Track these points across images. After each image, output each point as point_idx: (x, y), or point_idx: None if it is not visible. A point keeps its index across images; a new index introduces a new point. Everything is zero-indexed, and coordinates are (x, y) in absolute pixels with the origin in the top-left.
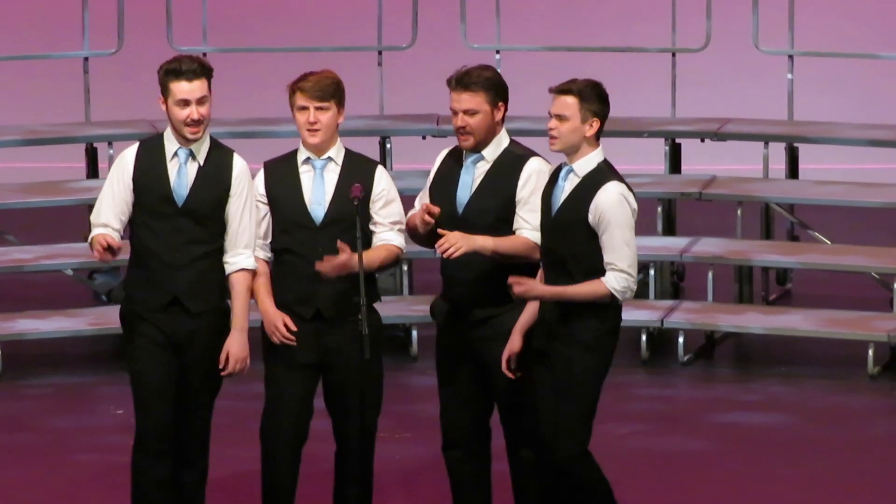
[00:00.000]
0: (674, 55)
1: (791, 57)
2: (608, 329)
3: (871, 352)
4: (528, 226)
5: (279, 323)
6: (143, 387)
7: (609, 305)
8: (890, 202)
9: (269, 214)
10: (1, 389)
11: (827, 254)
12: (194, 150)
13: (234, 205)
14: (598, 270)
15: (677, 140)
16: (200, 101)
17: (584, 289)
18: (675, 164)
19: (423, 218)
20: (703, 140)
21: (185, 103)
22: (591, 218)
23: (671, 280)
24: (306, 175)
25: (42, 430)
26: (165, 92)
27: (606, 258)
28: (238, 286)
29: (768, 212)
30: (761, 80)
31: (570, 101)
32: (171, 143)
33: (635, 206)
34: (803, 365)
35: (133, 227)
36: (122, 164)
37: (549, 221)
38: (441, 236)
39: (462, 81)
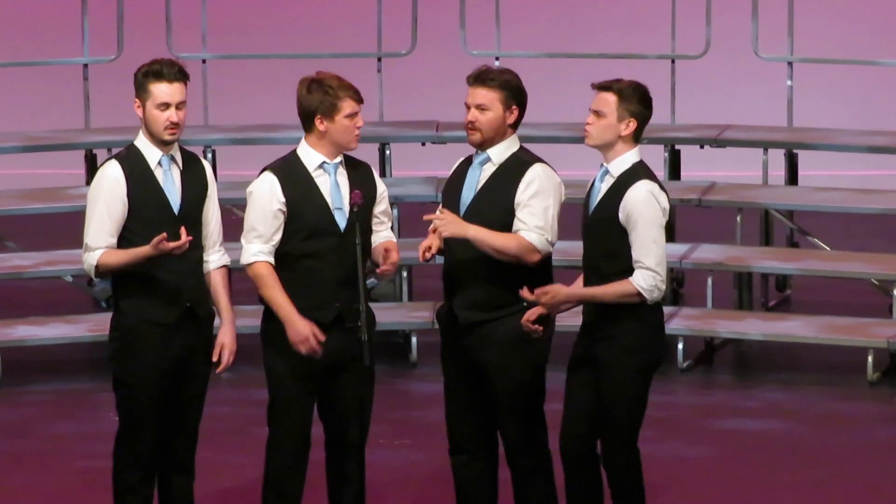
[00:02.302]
0: (673, 62)
1: (790, 63)
2: (648, 329)
3: (870, 358)
4: (524, 226)
5: (310, 335)
6: (147, 415)
7: (645, 305)
8: (889, 209)
9: (283, 224)
10: (0, 396)
11: (826, 260)
12: (173, 156)
13: (210, 205)
14: (632, 271)
15: (677, 146)
16: (179, 106)
17: (611, 289)
18: (674, 171)
19: (423, 256)
20: (702, 146)
21: (166, 106)
22: (621, 216)
23: (671, 286)
24: (321, 179)
25: (42, 437)
26: (144, 94)
27: (634, 255)
28: (223, 281)
29: (768, 218)
30: (761, 86)
31: (609, 98)
32: (151, 152)
33: (666, 205)
34: (803, 371)
35: (127, 244)
36: (112, 182)
37: (587, 222)
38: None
39: (480, 77)
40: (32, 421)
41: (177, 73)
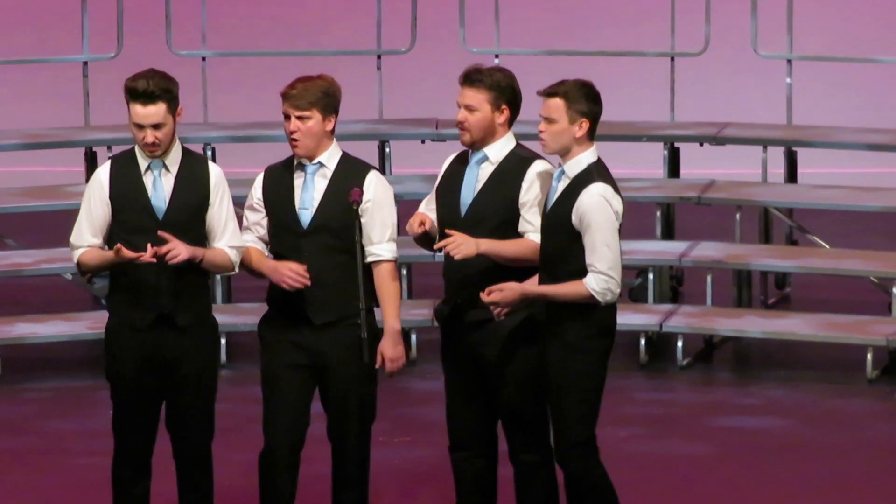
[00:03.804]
0: (673, 59)
1: (790, 61)
2: (596, 331)
3: (869, 356)
4: (532, 228)
5: (285, 269)
6: (127, 415)
7: (595, 307)
8: (889, 206)
9: (265, 218)
10: (0, 393)
11: (825, 258)
12: (166, 163)
13: (214, 213)
14: (583, 272)
15: (676, 144)
16: (157, 126)
17: (564, 289)
18: (673, 169)
19: (414, 230)
20: (701, 144)
21: (140, 127)
22: (574, 219)
23: (670, 284)
24: (298, 180)
25: (41, 434)
26: (127, 107)
27: (587, 259)
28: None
29: (767, 216)
30: (760, 84)
31: (557, 103)
32: (143, 157)
33: (619, 208)
34: (802, 369)
35: (112, 245)
36: (98, 184)
37: (543, 222)
38: (446, 237)
39: (469, 77)
40: (32, 418)
41: (153, 93)
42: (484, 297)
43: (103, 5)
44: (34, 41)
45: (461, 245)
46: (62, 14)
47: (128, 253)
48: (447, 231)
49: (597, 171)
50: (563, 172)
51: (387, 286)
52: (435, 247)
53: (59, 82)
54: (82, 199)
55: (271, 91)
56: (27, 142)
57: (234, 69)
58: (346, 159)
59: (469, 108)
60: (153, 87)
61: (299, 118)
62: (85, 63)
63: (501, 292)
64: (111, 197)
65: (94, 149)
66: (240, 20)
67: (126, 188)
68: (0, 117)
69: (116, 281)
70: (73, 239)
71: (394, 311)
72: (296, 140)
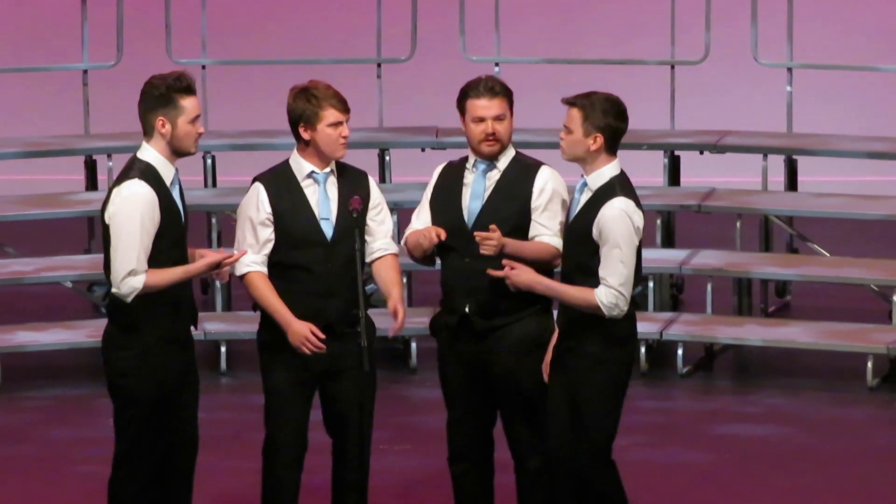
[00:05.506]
0: (673, 67)
1: (790, 69)
2: (616, 341)
3: (870, 364)
4: (547, 231)
5: (308, 333)
6: (155, 432)
7: (611, 318)
8: (889, 214)
9: (273, 233)
10: (0, 401)
11: (826, 266)
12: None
13: None
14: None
15: (676, 152)
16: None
17: (575, 292)
18: (674, 177)
19: (432, 240)
20: (702, 152)
21: (198, 118)
22: (594, 232)
23: (670, 292)
24: (310, 189)
25: (41, 442)
26: (173, 110)
27: (601, 272)
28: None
29: (767, 224)
30: (760, 92)
31: (574, 114)
32: (167, 169)
33: (639, 223)
34: (802, 377)
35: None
36: (150, 204)
37: (566, 232)
38: (449, 247)
39: (492, 88)
40: (32, 426)
41: (193, 84)
42: (496, 272)
43: (103, 13)
44: (34, 49)
45: (497, 245)
46: (62, 22)
47: (228, 261)
48: (490, 227)
49: (619, 185)
50: (585, 184)
51: (396, 272)
52: (476, 234)
53: (59, 91)
54: (130, 222)
55: (271, 99)
56: (27, 150)
57: (234, 77)
58: (338, 164)
59: (499, 118)
60: (193, 79)
61: (347, 121)
62: (85, 71)
63: (514, 270)
64: (162, 212)
65: (94, 157)
66: (240, 28)
67: (165, 203)
68: (0, 125)
69: (157, 297)
70: (136, 265)
71: (400, 291)
72: (344, 145)
